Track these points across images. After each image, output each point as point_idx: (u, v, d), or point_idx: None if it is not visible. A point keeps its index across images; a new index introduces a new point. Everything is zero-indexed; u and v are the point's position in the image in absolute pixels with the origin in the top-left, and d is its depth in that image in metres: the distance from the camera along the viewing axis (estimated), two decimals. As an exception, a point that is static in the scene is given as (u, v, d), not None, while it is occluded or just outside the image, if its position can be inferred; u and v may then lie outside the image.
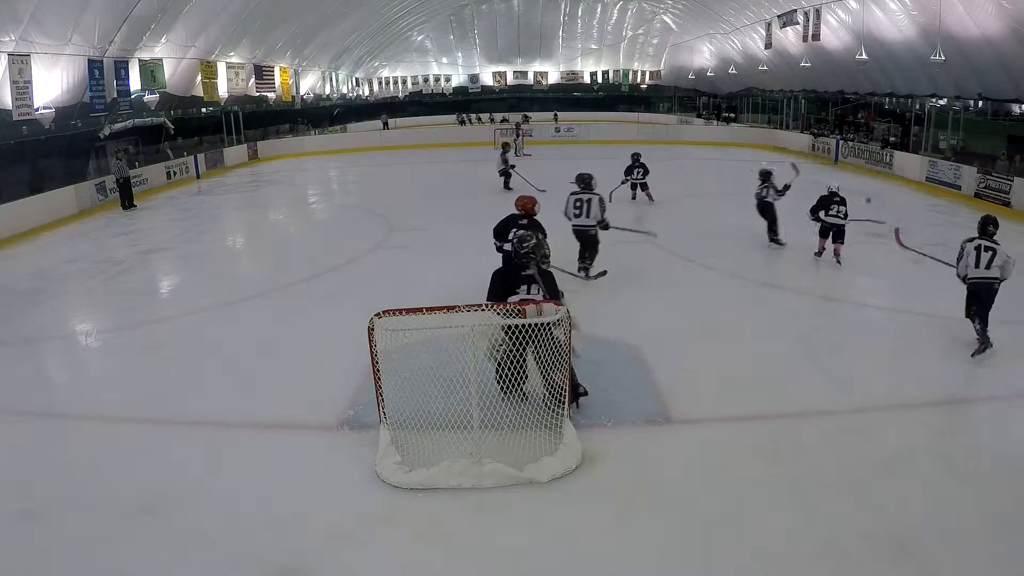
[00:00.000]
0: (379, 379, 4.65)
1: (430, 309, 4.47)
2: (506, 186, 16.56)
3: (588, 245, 8.52)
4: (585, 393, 5.20)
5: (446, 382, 4.67)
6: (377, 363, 4.58)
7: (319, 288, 9.00)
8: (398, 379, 4.77)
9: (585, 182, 8.53)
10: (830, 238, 9.32)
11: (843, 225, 9.27)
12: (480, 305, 4.56)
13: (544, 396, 5.02)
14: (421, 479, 4.33)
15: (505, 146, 17.64)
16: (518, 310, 4.61)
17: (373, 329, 4.48)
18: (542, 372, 4.88)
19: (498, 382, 4.99)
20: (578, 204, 8.40)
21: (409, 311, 4.45)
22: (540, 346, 4.69)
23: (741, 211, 13.87)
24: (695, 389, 5.63)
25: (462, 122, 37.14)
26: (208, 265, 10.79)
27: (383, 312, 4.45)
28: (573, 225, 8.48)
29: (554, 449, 4.53)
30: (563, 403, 4.80)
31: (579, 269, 8.39)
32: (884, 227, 11.97)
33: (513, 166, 16.64)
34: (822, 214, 9.30)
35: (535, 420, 4.85)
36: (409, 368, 4.88)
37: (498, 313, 4.60)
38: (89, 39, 15.29)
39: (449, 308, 4.47)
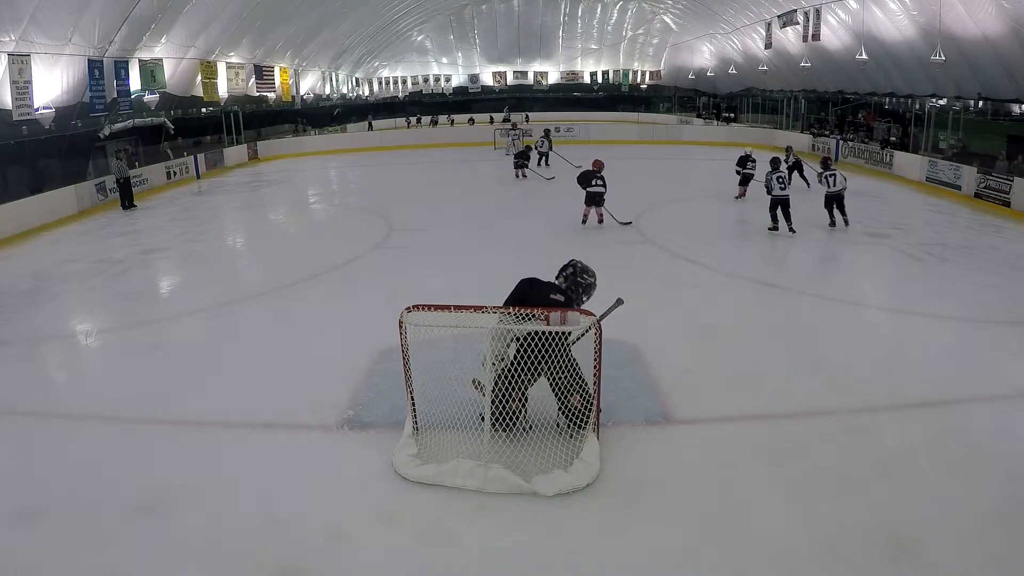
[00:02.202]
0: (408, 371, 4.63)
1: (458, 307, 4.47)
2: (524, 175, 18.23)
3: (786, 207, 11.37)
4: (600, 410, 4.94)
5: (460, 382, 4.71)
6: (407, 355, 4.56)
7: (319, 288, 9.00)
8: (419, 375, 4.77)
9: (776, 163, 11.66)
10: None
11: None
12: (508, 308, 4.53)
13: (561, 422, 4.86)
14: (428, 474, 4.34)
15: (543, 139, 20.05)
16: (543, 315, 4.51)
17: (404, 323, 4.45)
18: (558, 397, 4.75)
19: (492, 416, 4.64)
20: (780, 179, 11.34)
21: (437, 307, 4.45)
22: (555, 370, 4.60)
23: (741, 211, 13.88)
24: (695, 389, 5.62)
25: (409, 123, 37.03)
26: (208, 265, 10.79)
27: (412, 307, 4.45)
28: (774, 195, 11.34)
29: (568, 463, 4.41)
30: (582, 426, 4.69)
31: (771, 225, 11.47)
32: (884, 227, 11.99)
33: (529, 157, 18.48)
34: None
35: (557, 429, 4.80)
36: (426, 364, 4.87)
37: (522, 318, 4.49)
38: (89, 39, 15.29)
39: (477, 308, 4.46)
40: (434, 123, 36.55)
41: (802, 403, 5.42)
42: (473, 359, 5.01)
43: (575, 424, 4.74)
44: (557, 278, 5.02)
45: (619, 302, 5.02)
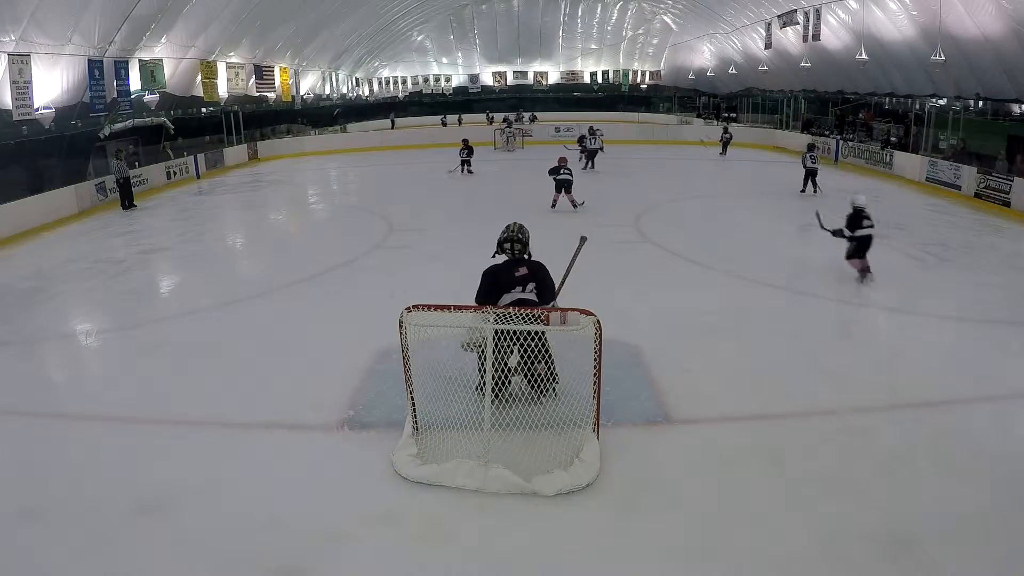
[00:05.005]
0: (408, 371, 4.63)
1: (458, 307, 4.48)
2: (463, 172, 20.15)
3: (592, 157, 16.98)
4: (557, 380, 5.20)
5: (460, 382, 4.71)
6: (407, 355, 4.56)
7: (319, 288, 9.00)
8: (419, 375, 4.77)
9: (591, 132, 16.35)
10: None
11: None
12: (507, 307, 4.57)
13: (525, 389, 5.11)
14: (428, 474, 4.34)
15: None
16: (542, 316, 4.53)
17: (404, 323, 4.44)
18: (525, 364, 4.83)
19: (478, 386, 4.91)
20: (594, 137, 16.90)
21: (437, 307, 4.46)
22: (526, 340, 4.70)
23: (741, 211, 13.90)
24: (695, 389, 5.62)
25: (444, 123, 37.17)
26: (208, 265, 10.78)
27: (412, 307, 4.45)
28: (588, 148, 18.21)
29: (568, 463, 4.42)
30: (545, 392, 4.96)
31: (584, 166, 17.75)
32: (884, 227, 11.99)
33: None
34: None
35: (557, 430, 4.78)
36: (426, 364, 4.88)
37: (521, 318, 4.49)
38: (89, 39, 15.29)
39: (477, 308, 4.49)
40: (460, 122, 36.78)
41: (802, 403, 5.42)
42: (473, 360, 5.03)
43: (538, 390, 5.01)
44: (508, 253, 5.25)
45: (583, 240, 5.53)
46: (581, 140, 21.85)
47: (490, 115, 37.81)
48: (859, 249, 8.55)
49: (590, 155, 20.07)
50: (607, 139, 27.38)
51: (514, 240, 5.22)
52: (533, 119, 35.65)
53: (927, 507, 4.07)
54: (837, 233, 8.69)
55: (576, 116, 34.92)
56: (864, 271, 8.61)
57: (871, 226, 8.50)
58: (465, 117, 37.81)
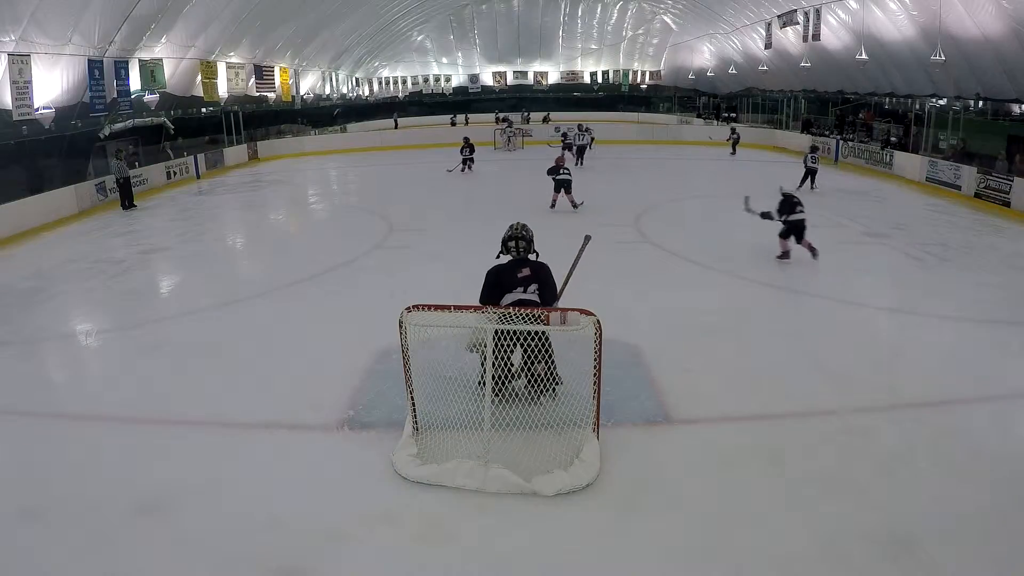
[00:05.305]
0: (408, 371, 4.63)
1: (458, 307, 4.49)
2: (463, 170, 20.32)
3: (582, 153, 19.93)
4: (560, 382, 5.20)
5: (460, 382, 4.72)
6: (407, 355, 4.56)
7: (319, 288, 9.00)
8: (419, 375, 4.77)
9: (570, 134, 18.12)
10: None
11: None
12: (507, 307, 4.58)
13: (524, 389, 5.12)
14: (428, 474, 4.34)
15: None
16: (541, 316, 4.54)
17: (404, 323, 4.45)
18: (526, 363, 4.85)
19: (479, 382, 4.93)
20: (584, 131, 17.95)
21: (437, 307, 4.47)
22: (528, 339, 4.71)
23: (741, 211, 13.87)
24: (695, 389, 5.62)
25: (453, 123, 37.17)
26: (208, 265, 10.78)
27: (412, 307, 4.46)
28: (578, 145, 20.47)
29: (568, 463, 4.42)
30: (544, 392, 4.96)
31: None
32: (884, 227, 12.01)
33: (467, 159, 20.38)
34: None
35: (557, 430, 4.77)
36: (426, 364, 4.88)
37: (521, 318, 4.50)
38: (89, 39, 15.29)
39: (477, 308, 4.51)
40: (466, 122, 36.80)
41: (802, 403, 5.42)
42: (473, 359, 5.03)
43: (537, 390, 5.02)
44: (510, 252, 5.29)
45: (587, 239, 5.61)
46: (565, 136, 22.76)
47: (498, 115, 37.78)
48: (791, 231, 9.41)
49: (579, 151, 20.77)
50: (607, 139, 27.48)
51: (518, 238, 5.26)
52: (546, 119, 35.54)
53: (927, 507, 4.07)
54: (765, 215, 9.57)
55: (577, 116, 34.84)
56: (786, 254, 9.54)
57: (802, 211, 9.38)
58: (472, 117, 37.94)
